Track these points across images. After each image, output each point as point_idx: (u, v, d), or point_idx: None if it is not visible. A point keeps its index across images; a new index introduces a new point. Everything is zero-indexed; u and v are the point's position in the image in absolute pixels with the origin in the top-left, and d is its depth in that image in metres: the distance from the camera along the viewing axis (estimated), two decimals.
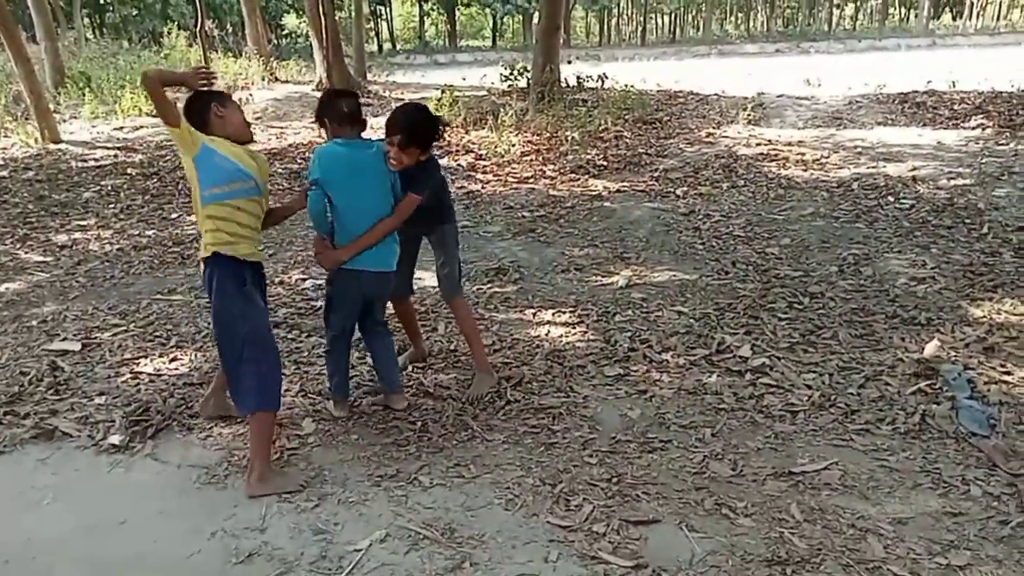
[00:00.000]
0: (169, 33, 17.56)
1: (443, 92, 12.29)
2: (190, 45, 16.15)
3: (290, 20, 49.31)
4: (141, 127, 12.05)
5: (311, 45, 17.75)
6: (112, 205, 7.80)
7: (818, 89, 13.78)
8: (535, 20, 47.09)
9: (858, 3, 52.42)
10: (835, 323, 4.21)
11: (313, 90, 14.98)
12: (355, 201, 3.11)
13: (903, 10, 53.79)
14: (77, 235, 6.78)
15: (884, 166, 7.68)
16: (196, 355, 4.16)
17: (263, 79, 15.94)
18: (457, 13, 50.23)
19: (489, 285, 5.10)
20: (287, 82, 16.56)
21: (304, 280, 5.38)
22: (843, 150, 8.50)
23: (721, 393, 3.52)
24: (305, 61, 20.13)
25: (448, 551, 2.51)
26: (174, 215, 7.43)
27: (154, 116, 12.62)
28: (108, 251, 6.26)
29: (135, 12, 36.06)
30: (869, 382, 3.56)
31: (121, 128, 11.75)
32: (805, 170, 7.78)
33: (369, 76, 18.33)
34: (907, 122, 9.86)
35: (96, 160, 9.84)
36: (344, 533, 2.63)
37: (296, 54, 26.60)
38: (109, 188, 8.48)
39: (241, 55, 17.88)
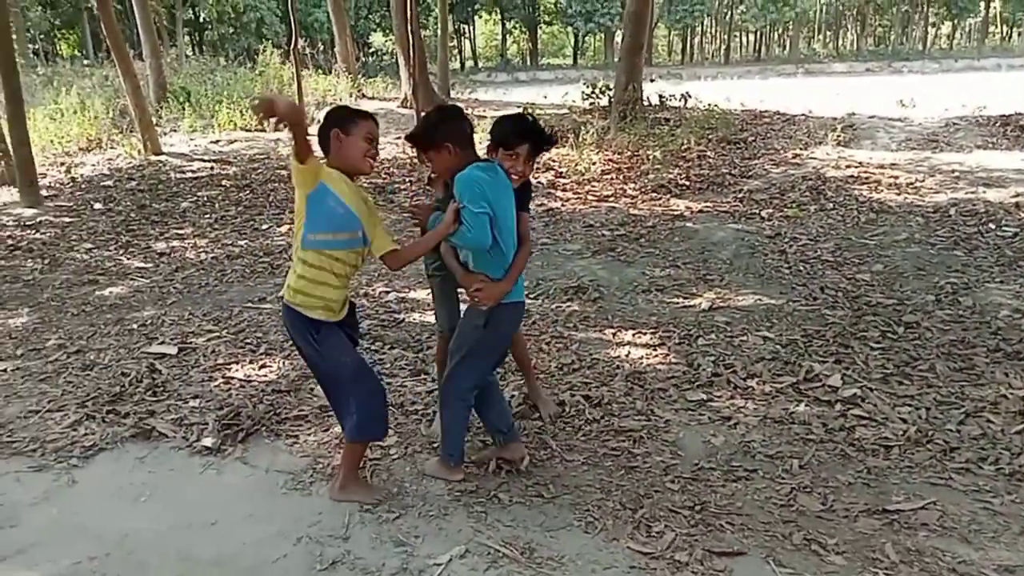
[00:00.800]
0: (264, 51, 18.30)
1: (524, 109, 12.39)
2: (283, 63, 16.78)
3: (377, 38, 50.71)
4: (235, 140, 12.58)
5: (397, 63, 18.22)
6: (208, 215, 8.16)
7: (912, 110, 13.28)
8: (617, 38, 47.12)
9: (955, 21, 50.34)
10: (932, 355, 4.02)
11: (399, 106, 15.37)
12: (508, 227, 2.81)
13: (1004, 28, 51.42)
14: (175, 243, 7.11)
15: (984, 191, 7.33)
16: (284, 363, 4.29)
17: (351, 95, 16.44)
18: (539, 31, 50.70)
19: (568, 303, 5.09)
20: (373, 98, 17.04)
21: (388, 293, 5.48)
22: (939, 174, 8.15)
23: (810, 423, 3.40)
24: (391, 78, 20.69)
25: (528, 571, 2.50)
26: (264, 226, 7.70)
27: (248, 130, 13.21)
28: (203, 259, 6.54)
29: (232, 30, 37.84)
30: (969, 418, 3.39)
31: (217, 141, 12.29)
32: (898, 194, 7.50)
33: (452, 93, 18.66)
34: (1009, 146, 9.39)
35: (193, 172, 10.32)
36: (424, 546, 2.65)
37: (382, 71, 27.38)
38: (205, 199, 8.87)
39: (331, 72, 18.51)
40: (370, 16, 42.91)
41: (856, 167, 8.68)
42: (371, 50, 45.20)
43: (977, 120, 11.09)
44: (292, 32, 12.89)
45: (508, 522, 2.78)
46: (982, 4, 45.00)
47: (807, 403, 3.59)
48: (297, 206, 2.66)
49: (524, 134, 2.87)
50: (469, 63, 48.30)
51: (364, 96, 17.12)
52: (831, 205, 7.26)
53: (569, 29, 46.95)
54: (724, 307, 4.87)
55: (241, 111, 13.06)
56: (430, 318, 4.90)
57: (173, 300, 5.49)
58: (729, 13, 45.15)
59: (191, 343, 4.61)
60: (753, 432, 3.37)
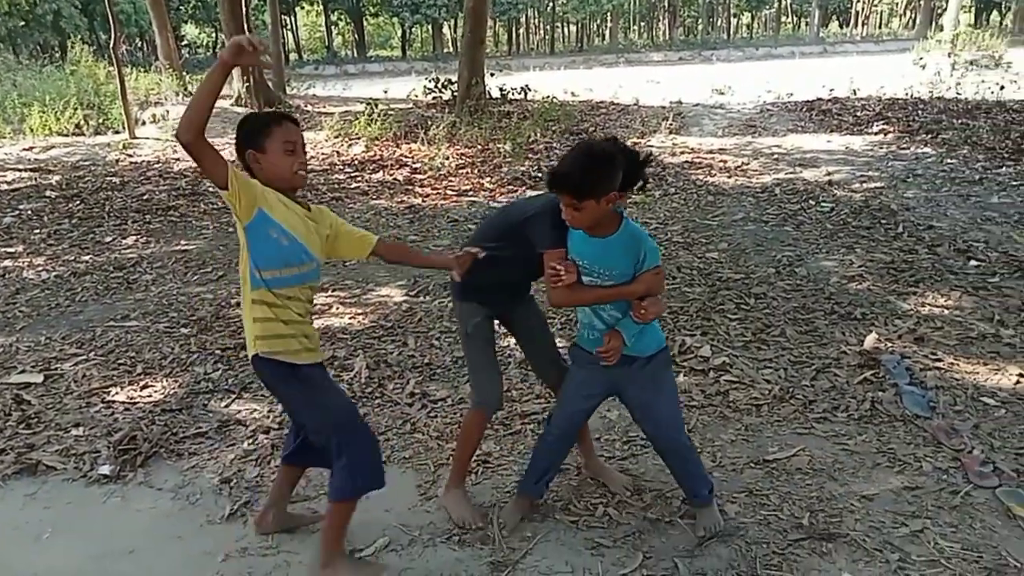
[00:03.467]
0: (72, 47, 16.83)
1: (369, 105, 12.31)
2: (97, 61, 15.54)
3: (190, 30, 47.70)
4: (53, 147, 11.60)
5: (216, 57, 17.34)
6: (38, 230, 7.51)
7: (729, 97, 14.48)
8: (445, 30, 47.33)
9: (754, 12, 54.95)
10: (781, 321, 4.55)
11: (232, 104, 14.70)
12: None
13: (795, 18, 56.72)
14: (7, 263, 6.51)
15: (801, 171, 8.23)
16: (167, 381, 4.14)
17: (177, 93, 15.53)
18: (364, 22, 49.88)
19: (449, 297, 5.22)
20: None
21: None
22: (762, 156, 9.04)
23: (690, 391, 3.77)
24: None
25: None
26: (108, 238, 7.22)
27: (65, 135, 12.19)
28: (46, 279, 6.06)
29: (23, 24, 34.23)
30: (820, 374, 3.89)
31: (31, 148, 11.27)
32: (730, 177, 8.24)
33: (287, 89, 18.08)
34: (816, 129, 10.54)
35: (8, 183, 9.43)
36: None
37: (199, 66, 25.92)
38: (30, 212, 8.16)
39: (150, 69, 17.36)
40: (182, 7, 40.42)
41: (690, 153, 9.43)
42: (184, 43, 42.58)
43: (786, 106, 12.34)
44: (112, 27, 11.99)
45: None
46: None
47: (685, 373, 3.97)
48: (240, 238, 2.29)
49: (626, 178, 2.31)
50: (293, 56, 46.70)
51: (191, 94, 16.20)
52: (673, 190, 7.87)
53: (396, 20, 46.55)
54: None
55: (56, 114, 12.01)
56: (315, 323, 4.87)
57: (23, 325, 5.08)
58: (551, 4, 46.63)
59: (56, 369, 4.32)
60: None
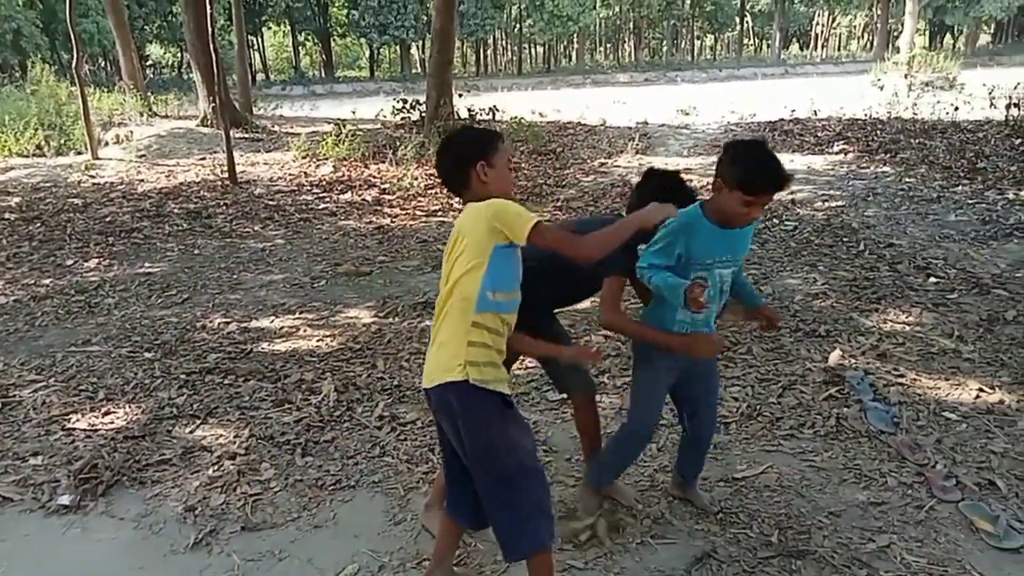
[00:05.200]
0: (33, 67, 16.58)
1: (337, 126, 12.28)
2: (59, 80, 15.31)
3: (155, 50, 47.24)
4: (12, 168, 11.37)
5: (182, 77, 17.21)
6: None
7: (694, 118, 14.70)
8: (413, 51, 47.50)
9: (717, 35, 55.99)
10: (748, 339, 4.60)
11: (198, 125, 14.58)
12: None
13: (757, 40, 57.91)
14: None
15: None
16: (130, 407, 4.05)
17: (141, 114, 15.35)
18: (332, 43, 49.86)
19: (419, 319, 5.22)
20: (167, 117, 16.03)
21: (228, 323, 5.30)
22: None
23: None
24: (183, 94, 19.52)
25: None
26: (69, 261, 7.08)
27: (25, 156, 11.98)
28: (4, 303, 5.92)
29: None
30: (786, 391, 3.94)
31: None
32: (697, 197, 8.33)
33: (254, 110, 17.97)
34: (778, 148, 10.73)
35: None
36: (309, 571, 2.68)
37: (164, 87, 25.68)
38: None
39: (114, 89, 17.16)
40: (147, 27, 40.04)
41: None
42: (149, 63, 42.17)
43: (750, 126, 12.56)
44: (74, 46, 11.83)
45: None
46: (737, 19, 50.40)
47: None
48: (470, 256, 2.12)
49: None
50: (260, 76, 46.50)
51: (155, 115, 16.05)
52: None
53: (364, 41, 46.61)
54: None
55: (16, 135, 11.80)
56: (280, 347, 4.83)
57: None
58: (519, 26, 47.06)
59: (14, 396, 4.21)
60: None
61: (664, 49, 54.11)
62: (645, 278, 2.48)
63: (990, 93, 13.55)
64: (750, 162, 2.31)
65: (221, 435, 3.72)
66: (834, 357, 4.20)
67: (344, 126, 12.14)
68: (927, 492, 3.03)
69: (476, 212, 2.14)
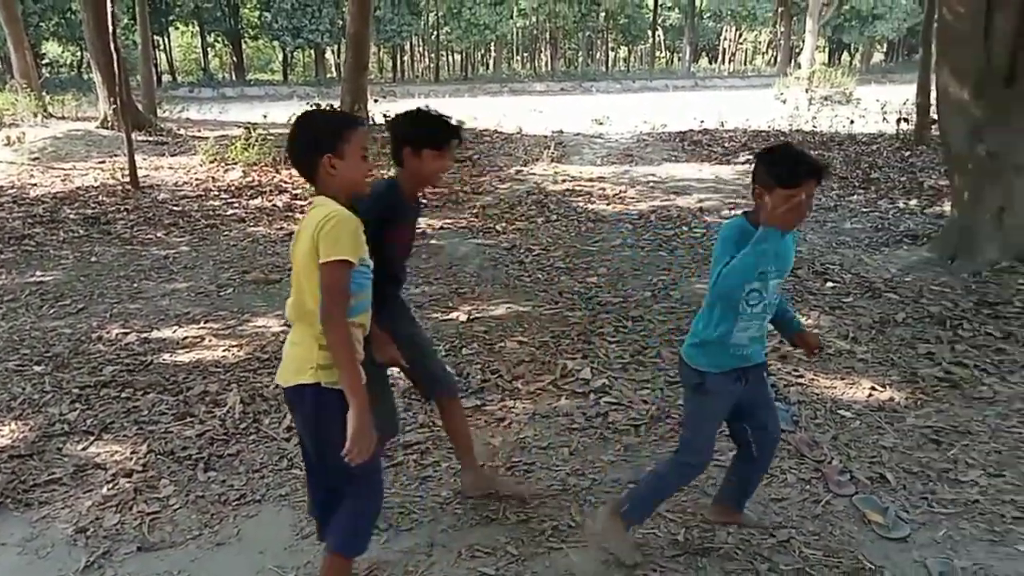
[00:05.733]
0: None
1: (247, 130, 11.95)
2: None
3: (51, 48, 44.97)
4: None
5: (82, 77, 16.44)
6: None
7: (608, 127, 14.99)
8: (328, 55, 46.75)
9: (630, 46, 57.36)
10: (657, 343, 4.71)
11: (98, 127, 13.92)
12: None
13: (668, 53, 59.64)
14: None
15: (675, 199, 8.60)
16: (16, 424, 3.82)
17: (35, 115, 14.55)
18: (243, 45, 48.53)
19: None
20: (64, 118, 15.27)
21: (127, 334, 5.06)
22: (639, 185, 9.39)
23: (572, 414, 3.83)
24: (82, 94, 18.62)
25: None
26: None
27: None
28: None
29: None
30: None
31: None
32: (609, 204, 8.51)
33: (159, 112, 17.29)
34: (688, 158, 11.07)
35: None
36: None
37: (61, 87, 24.42)
38: None
39: (4, 88, 16.24)
40: (43, 23, 37.99)
41: (571, 181, 9.67)
42: (45, 62, 40.01)
43: (661, 136, 12.90)
44: None
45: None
46: (650, 33, 51.75)
47: (567, 397, 4.03)
48: (314, 263, 2.07)
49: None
50: (167, 78, 44.79)
51: (51, 116, 15.25)
52: (555, 217, 8.03)
53: (276, 44, 45.53)
54: (480, 317, 5.22)
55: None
56: (183, 358, 4.65)
57: None
58: (436, 33, 46.96)
59: None
60: (526, 429, 3.71)
61: (579, 60, 54.98)
62: (722, 284, 2.38)
63: (882, 108, 14.36)
64: (787, 158, 2.38)
65: (117, 452, 3.55)
66: None
67: (255, 130, 11.81)
68: (824, 487, 3.17)
69: (312, 223, 2.07)
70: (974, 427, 3.61)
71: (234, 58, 48.75)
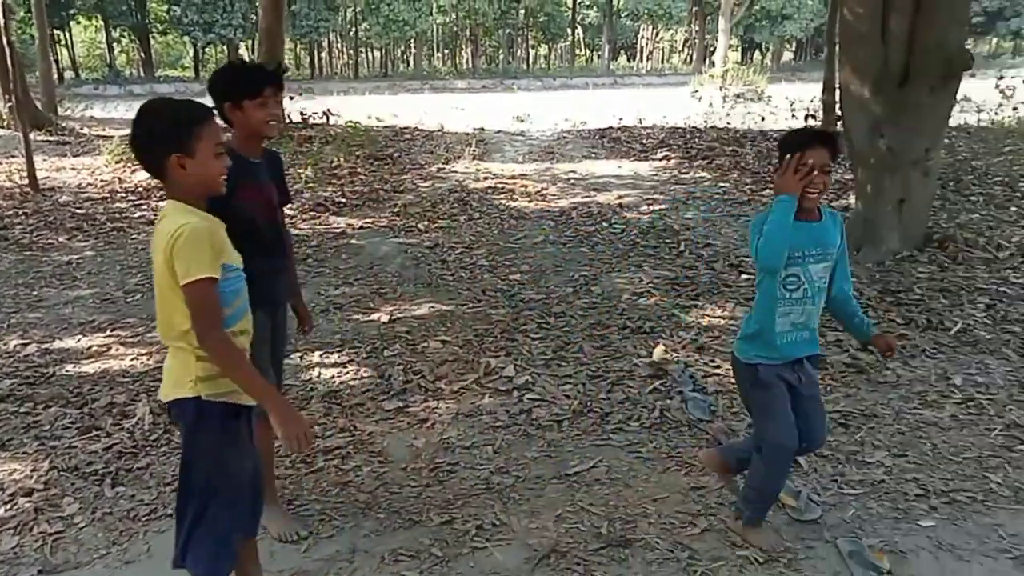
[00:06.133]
0: None
1: None
2: None
3: None
4: None
5: None
6: None
7: (529, 125, 15.06)
8: (242, 50, 45.39)
9: (550, 44, 57.83)
10: (579, 338, 4.75)
11: None
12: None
13: (588, 51, 60.39)
14: None
15: (595, 195, 8.70)
16: None
17: None
18: (151, 40, 46.68)
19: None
20: None
21: (27, 344, 4.79)
22: (560, 182, 9.46)
23: (495, 412, 3.82)
24: None
25: None
26: None
27: None
28: None
29: None
30: (615, 387, 4.09)
31: None
32: (530, 201, 8.54)
33: (60, 110, 16.45)
34: (607, 155, 11.21)
35: None
36: None
37: None
38: None
39: None
40: None
41: (492, 178, 9.67)
42: None
43: (581, 133, 13.03)
44: None
45: None
46: (569, 31, 52.29)
47: (490, 395, 4.02)
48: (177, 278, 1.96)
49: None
50: (69, 74, 42.70)
51: None
52: (477, 215, 8.01)
53: (187, 39, 43.96)
54: (402, 317, 5.16)
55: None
56: (88, 368, 4.43)
57: None
58: (354, 29, 46.23)
59: None
60: (449, 429, 3.69)
61: (500, 57, 55.12)
62: (761, 256, 2.48)
63: (791, 105, 14.90)
64: (794, 132, 2.63)
65: (15, 470, 3.35)
66: (657, 352, 4.42)
67: None
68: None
69: (163, 239, 1.94)
70: (879, 410, 3.78)
71: (142, 53, 46.84)
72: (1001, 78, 13.26)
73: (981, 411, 3.75)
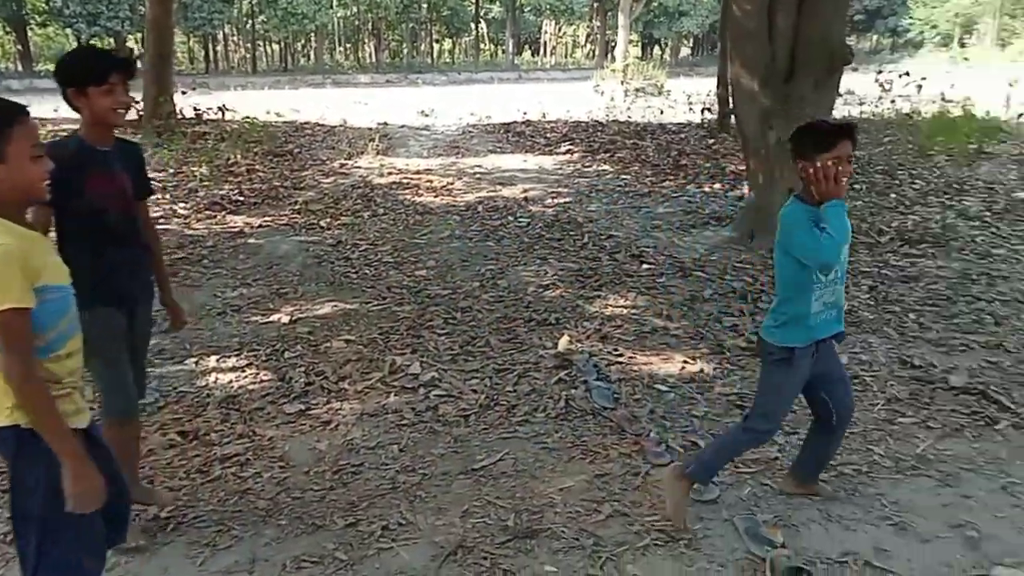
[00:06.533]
0: None
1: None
2: None
3: None
4: None
5: None
6: None
7: (434, 120, 14.97)
8: (130, 43, 43.26)
9: (454, 39, 57.63)
10: (486, 332, 4.75)
11: None
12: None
13: (492, 46, 60.51)
14: None
15: (501, 189, 8.73)
16: None
17: None
18: (30, 33, 43.87)
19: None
20: None
21: None
22: (465, 176, 9.44)
23: (401, 411, 3.78)
24: None
25: None
26: None
27: None
28: None
29: None
30: (521, 379, 4.11)
31: None
32: (436, 196, 8.49)
33: None
34: (512, 149, 11.28)
35: None
36: None
37: None
38: None
39: None
40: None
41: (397, 174, 9.56)
42: None
43: (486, 128, 13.05)
44: None
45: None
46: (473, 25, 52.24)
47: (395, 393, 3.96)
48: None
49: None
50: None
51: None
52: (382, 211, 7.91)
53: (70, 32, 41.52)
54: (304, 318, 5.03)
55: None
56: None
57: None
58: (251, 22, 44.80)
59: None
60: (354, 430, 3.61)
61: (404, 51, 54.52)
62: (826, 255, 2.54)
63: (689, 99, 15.38)
64: (820, 127, 2.66)
65: None
66: (563, 343, 4.47)
67: (44, 126, 10.70)
68: (643, 459, 3.32)
69: None
70: None
71: (19, 47, 43.95)
72: (880, 72, 14.06)
73: (865, 388, 3.95)
